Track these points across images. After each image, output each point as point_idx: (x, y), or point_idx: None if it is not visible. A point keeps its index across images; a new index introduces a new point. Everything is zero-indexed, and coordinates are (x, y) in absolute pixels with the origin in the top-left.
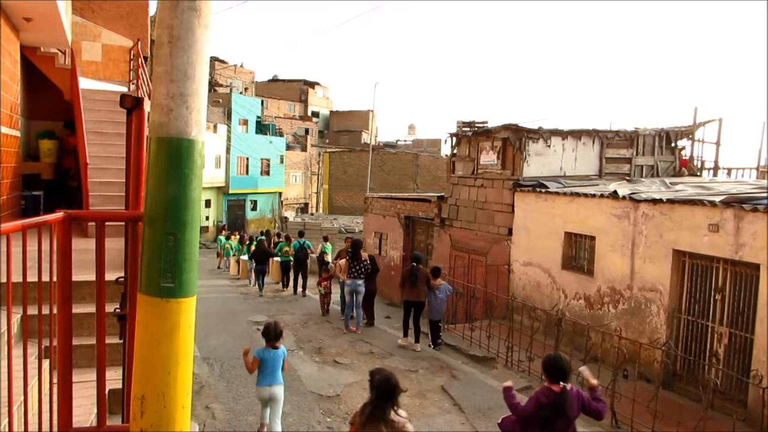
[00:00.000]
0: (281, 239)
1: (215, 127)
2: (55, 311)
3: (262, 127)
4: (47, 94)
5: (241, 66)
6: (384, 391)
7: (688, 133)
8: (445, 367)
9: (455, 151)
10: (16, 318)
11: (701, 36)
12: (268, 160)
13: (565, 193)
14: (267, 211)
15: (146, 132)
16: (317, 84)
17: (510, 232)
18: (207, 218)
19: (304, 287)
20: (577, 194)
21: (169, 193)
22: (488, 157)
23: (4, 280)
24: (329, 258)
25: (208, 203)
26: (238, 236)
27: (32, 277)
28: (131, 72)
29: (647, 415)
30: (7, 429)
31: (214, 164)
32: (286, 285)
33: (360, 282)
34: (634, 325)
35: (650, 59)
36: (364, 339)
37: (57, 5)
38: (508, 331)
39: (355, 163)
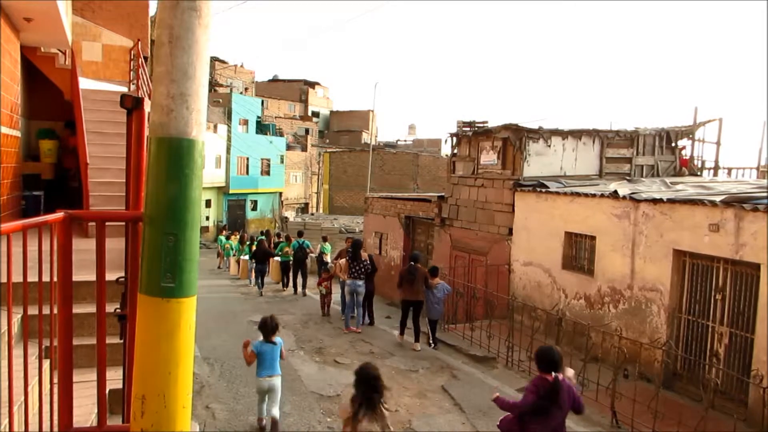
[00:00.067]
0: (281, 239)
1: (215, 127)
2: (55, 311)
3: (262, 127)
4: (47, 95)
5: (241, 66)
6: (372, 385)
7: (688, 132)
8: (446, 367)
9: (455, 151)
10: (16, 318)
11: (701, 36)
12: (269, 160)
13: (565, 193)
14: (267, 211)
15: (146, 132)
16: (317, 84)
17: (510, 231)
18: (207, 218)
19: (303, 286)
20: (578, 194)
21: (170, 193)
22: (488, 157)
23: (4, 280)
24: (328, 258)
25: (208, 203)
26: (238, 236)
27: (33, 277)
28: (131, 72)
29: (648, 415)
30: (7, 429)
31: (215, 164)
32: (286, 285)
33: (360, 282)
34: (634, 324)
35: (650, 59)
36: (365, 339)
37: (57, 5)
38: (509, 331)
39: (355, 163)
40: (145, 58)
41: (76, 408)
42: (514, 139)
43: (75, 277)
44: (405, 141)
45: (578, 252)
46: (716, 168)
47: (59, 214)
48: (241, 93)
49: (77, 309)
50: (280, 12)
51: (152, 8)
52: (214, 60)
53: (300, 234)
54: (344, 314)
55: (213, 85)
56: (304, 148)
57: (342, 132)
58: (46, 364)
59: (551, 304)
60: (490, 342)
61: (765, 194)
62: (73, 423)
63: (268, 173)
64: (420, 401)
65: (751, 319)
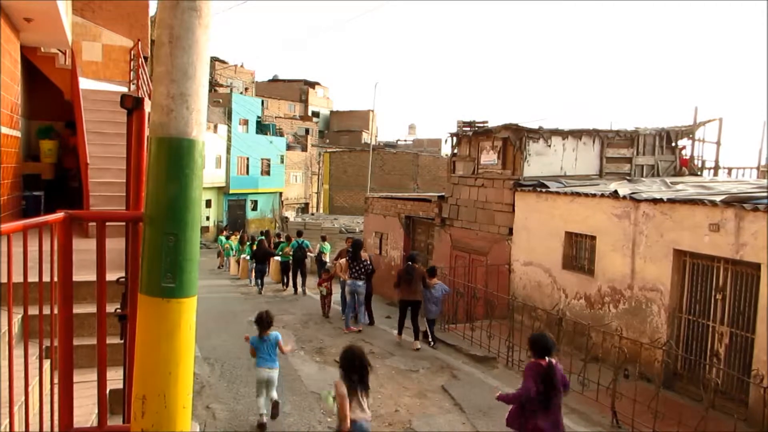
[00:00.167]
0: (282, 240)
1: (215, 127)
2: (55, 311)
3: (262, 127)
4: (48, 95)
5: (241, 66)
6: (363, 365)
7: (688, 132)
8: (446, 367)
9: (456, 151)
10: (17, 318)
11: (701, 36)
12: (269, 160)
13: (565, 193)
14: (267, 211)
15: (147, 132)
16: (317, 84)
17: (510, 231)
18: (207, 218)
19: (303, 286)
20: (578, 194)
21: (170, 193)
22: (489, 157)
23: (5, 280)
24: (327, 258)
25: (208, 203)
26: (238, 236)
27: (33, 278)
28: (131, 72)
29: (648, 415)
30: (8, 429)
31: (215, 164)
32: (286, 285)
33: (360, 282)
34: (634, 324)
35: (650, 59)
36: (365, 339)
37: (57, 5)
38: (509, 331)
39: (355, 163)
40: (145, 58)
41: (76, 408)
42: (514, 139)
43: (75, 278)
44: (405, 141)
45: (578, 252)
46: (716, 168)
47: (59, 215)
48: (241, 93)
49: (77, 309)
50: (280, 12)
51: (152, 8)
52: (214, 60)
53: (299, 234)
54: (344, 314)
55: (213, 85)
56: (304, 148)
57: (342, 132)
58: (47, 364)
59: (551, 304)
60: (490, 342)
61: (765, 194)
62: (74, 423)
63: (268, 173)
64: (420, 401)
65: (751, 319)
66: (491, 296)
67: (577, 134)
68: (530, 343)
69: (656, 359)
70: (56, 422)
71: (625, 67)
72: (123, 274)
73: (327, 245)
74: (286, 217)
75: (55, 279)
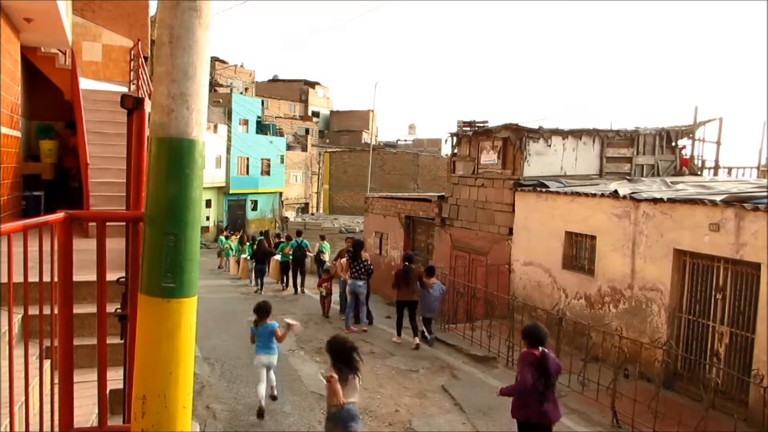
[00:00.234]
0: (282, 239)
1: (215, 127)
2: (56, 311)
3: (262, 127)
4: (48, 95)
5: (241, 66)
6: (352, 353)
7: (688, 132)
8: (446, 367)
9: (456, 151)
10: (17, 318)
11: (701, 36)
12: (269, 160)
13: (565, 193)
14: (267, 211)
15: (147, 132)
16: (317, 84)
17: (510, 231)
18: (207, 218)
19: (302, 285)
20: (578, 194)
21: (170, 193)
22: (489, 157)
23: (5, 280)
24: (327, 257)
25: (208, 203)
26: (238, 237)
27: (33, 278)
28: (132, 72)
29: (648, 415)
30: (8, 429)
31: (215, 164)
32: (285, 285)
33: (361, 283)
34: (634, 324)
35: (650, 59)
36: (365, 339)
37: (57, 5)
38: (509, 331)
39: (355, 163)
40: (145, 58)
41: (76, 408)
42: (514, 139)
43: (75, 278)
44: (405, 141)
45: (578, 252)
46: (716, 167)
47: (60, 215)
48: (241, 93)
49: (78, 309)
50: (280, 12)
51: (152, 8)
52: (214, 60)
53: (299, 233)
54: (345, 314)
55: (213, 85)
56: (304, 148)
57: (342, 132)
58: (47, 364)
59: (551, 303)
60: (490, 342)
61: (765, 194)
62: (74, 423)
63: (268, 173)
64: (420, 401)
65: (751, 319)
66: (491, 296)
67: (577, 134)
68: (524, 334)
69: (656, 359)
70: (56, 422)
71: (625, 67)
72: (123, 274)
73: (326, 244)
74: (286, 217)
75: (56, 279)
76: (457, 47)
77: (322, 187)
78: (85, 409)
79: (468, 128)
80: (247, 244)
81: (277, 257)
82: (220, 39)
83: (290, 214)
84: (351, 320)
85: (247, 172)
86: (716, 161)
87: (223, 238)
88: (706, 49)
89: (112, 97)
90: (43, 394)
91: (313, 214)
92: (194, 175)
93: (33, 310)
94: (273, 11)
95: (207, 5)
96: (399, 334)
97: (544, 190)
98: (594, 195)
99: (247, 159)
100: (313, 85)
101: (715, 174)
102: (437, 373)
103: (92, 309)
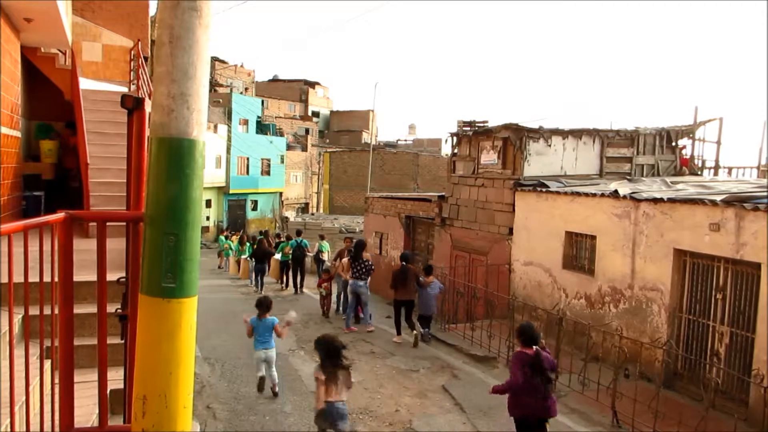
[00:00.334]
0: (282, 239)
1: (216, 127)
2: (56, 311)
3: (262, 127)
4: (48, 95)
5: (242, 66)
6: (339, 352)
7: (688, 132)
8: (446, 367)
9: (456, 151)
10: (17, 318)
11: (701, 36)
12: (269, 160)
13: (565, 193)
14: (267, 211)
15: (147, 132)
16: (317, 84)
17: (511, 231)
18: (208, 218)
19: (301, 284)
20: (578, 194)
21: (170, 193)
22: (489, 157)
23: (5, 280)
24: (326, 257)
25: (208, 203)
26: (238, 237)
27: (34, 278)
28: (132, 72)
29: (648, 415)
30: (9, 429)
31: (215, 164)
32: (285, 284)
33: (361, 283)
34: (635, 324)
35: (650, 59)
36: (365, 339)
37: (57, 5)
38: (509, 331)
39: (355, 163)
40: (145, 58)
41: (77, 408)
42: (514, 139)
43: (76, 278)
44: (405, 141)
45: (579, 252)
46: (717, 167)
47: (60, 215)
48: (241, 93)
49: (78, 309)
50: (280, 12)
51: (152, 8)
52: (214, 60)
53: (298, 233)
54: (345, 314)
55: (213, 85)
56: (304, 148)
57: (342, 132)
58: (48, 364)
59: (552, 303)
60: (490, 342)
61: (765, 194)
62: (75, 423)
63: (268, 173)
64: (420, 401)
65: (751, 319)
66: (491, 296)
67: (577, 134)
68: (517, 333)
69: (656, 359)
70: (57, 422)
71: (625, 66)
72: (123, 274)
73: (325, 244)
74: (286, 217)
75: (56, 279)
76: (456, 47)
77: (322, 187)
78: (86, 409)
79: (468, 128)
80: (248, 244)
81: (277, 257)
82: (220, 39)
83: (290, 214)
84: (351, 320)
85: (247, 172)
86: (716, 161)
87: (223, 238)
88: (706, 49)
89: (112, 97)
90: (44, 394)
91: (313, 214)
92: (194, 175)
93: (33, 310)
94: (273, 11)
95: (207, 5)
96: (399, 333)
97: (544, 190)
98: (594, 195)
99: (247, 159)
100: (313, 85)
101: (715, 174)
102: (437, 373)
103: (93, 309)
